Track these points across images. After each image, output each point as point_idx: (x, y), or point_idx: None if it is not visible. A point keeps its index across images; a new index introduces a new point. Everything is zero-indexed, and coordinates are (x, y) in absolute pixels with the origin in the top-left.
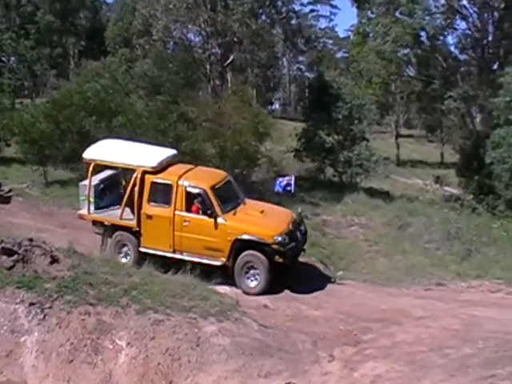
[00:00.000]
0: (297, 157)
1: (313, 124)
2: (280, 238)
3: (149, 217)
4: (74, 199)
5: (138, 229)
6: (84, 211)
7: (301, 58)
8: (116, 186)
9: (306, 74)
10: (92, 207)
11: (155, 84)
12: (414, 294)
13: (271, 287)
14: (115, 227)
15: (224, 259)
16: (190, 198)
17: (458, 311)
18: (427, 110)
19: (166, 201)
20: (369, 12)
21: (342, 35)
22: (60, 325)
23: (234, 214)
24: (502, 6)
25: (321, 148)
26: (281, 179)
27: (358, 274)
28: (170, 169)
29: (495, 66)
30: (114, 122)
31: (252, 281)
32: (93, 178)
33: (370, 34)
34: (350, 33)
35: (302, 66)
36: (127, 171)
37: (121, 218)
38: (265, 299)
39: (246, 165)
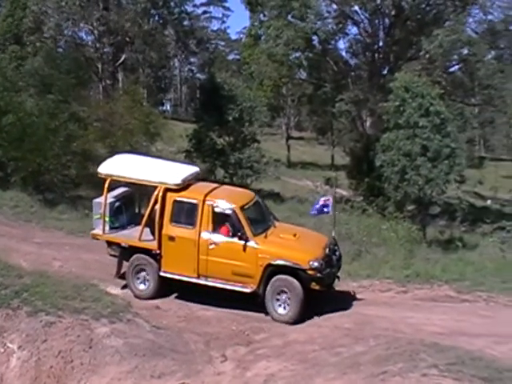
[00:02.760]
0: (188, 158)
1: (204, 125)
2: (316, 264)
3: (171, 238)
4: None
5: (158, 251)
6: (98, 231)
7: (192, 59)
8: (131, 205)
9: (198, 75)
10: (107, 227)
11: (46, 82)
12: None
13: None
14: (133, 249)
15: (254, 286)
16: (217, 218)
17: (350, 311)
18: (318, 113)
19: (191, 221)
20: (261, 15)
21: (234, 37)
22: None
23: (266, 236)
24: (393, 12)
25: (212, 149)
26: (319, 200)
27: None
28: (194, 186)
29: (385, 71)
30: (3, 121)
31: (283, 308)
32: (109, 195)
33: (262, 37)
34: (242, 35)
35: (193, 68)
36: (144, 187)
37: (140, 239)
38: (157, 300)
39: None
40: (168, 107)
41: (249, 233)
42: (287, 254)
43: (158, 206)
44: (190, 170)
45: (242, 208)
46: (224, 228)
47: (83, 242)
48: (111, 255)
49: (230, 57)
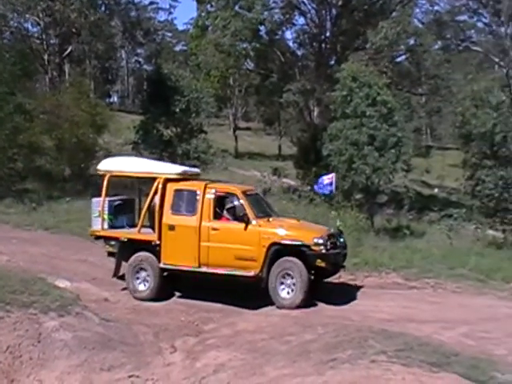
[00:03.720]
0: (135, 149)
1: (151, 117)
2: (321, 240)
3: (171, 227)
4: None
5: (158, 242)
6: (97, 227)
7: (139, 51)
8: (131, 211)
9: (145, 66)
10: (105, 224)
11: None
12: None
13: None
14: (132, 245)
15: (257, 269)
16: (218, 204)
17: None
18: (265, 103)
19: (191, 209)
20: (208, 5)
21: (181, 28)
22: None
23: (268, 220)
24: (340, 3)
25: (159, 141)
26: (322, 179)
27: None
28: (194, 180)
29: (332, 61)
30: None
31: (287, 291)
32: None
33: (209, 28)
34: (189, 26)
35: (140, 59)
36: (143, 193)
37: (139, 232)
38: (105, 292)
39: (83, 157)
40: (115, 99)
41: (251, 214)
42: (290, 233)
43: (157, 197)
44: (190, 168)
45: (243, 193)
46: (225, 218)
47: (30, 235)
48: (109, 254)
49: (177, 48)
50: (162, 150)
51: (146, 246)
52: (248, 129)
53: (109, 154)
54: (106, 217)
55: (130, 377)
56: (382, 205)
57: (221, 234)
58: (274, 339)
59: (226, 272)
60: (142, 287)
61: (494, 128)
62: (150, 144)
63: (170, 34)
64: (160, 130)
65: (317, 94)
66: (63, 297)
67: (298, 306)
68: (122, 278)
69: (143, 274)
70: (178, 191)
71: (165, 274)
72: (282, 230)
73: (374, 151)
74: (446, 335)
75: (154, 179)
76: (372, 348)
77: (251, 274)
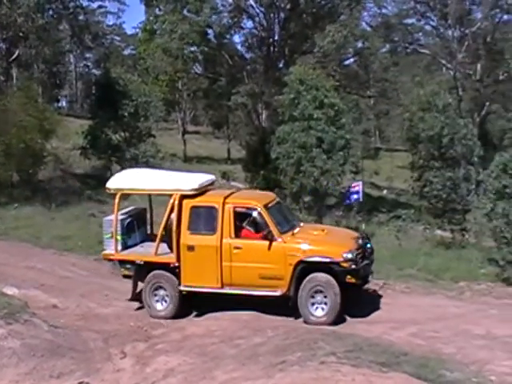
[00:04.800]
0: (83, 154)
1: (99, 121)
2: (350, 255)
3: (190, 248)
4: None
5: (177, 264)
6: (110, 250)
7: (88, 55)
8: (143, 224)
9: (93, 70)
10: (119, 246)
11: None
12: None
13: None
14: (149, 266)
15: (284, 288)
16: (239, 221)
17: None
18: (214, 107)
19: (211, 227)
20: (157, 9)
21: (129, 32)
22: None
23: (293, 234)
24: (288, 6)
25: (107, 145)
26: (350, 187)
27: None
28: (211, 192)
29: (281, 65)
30: None
31: (320, 309)
32: (119, 212)
33: (158, 32)
34: (137, 30)
35: (89, 63)
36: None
37: (156, 254)
38: (54, 299)
39: (31, 163)
40: (64, 103)
41: (275, 231)
42: (318, 248)
43: (174, 215)
44: (205, 177)
45: (265, 207)
46: (247, 230)
47: None
48: (125, 276)
49: (126, 52)
50: (111, 155)
51: (164, 268)
52: (197, 132)
53: (57, 159)
54: (118, 238)
55: (79, 383)
56: (331, 207)
57: (244, 253)
58: (224, 343)
59: (251, 292)
60: (159, 306)
61: (442, 131)
62: (98, 149)
63: (118, 38)
64: (108, 135)
65: (265, 98)
66: (11, 304)
67: (334, 323)
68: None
69: (161, 292)
70: (195, 208)
71: (184, 292)
72: (309, 246)
73: (322, 154)
74: (396, 335)
75: (169, 196)
76: (321, 349)
77: (278, 293)
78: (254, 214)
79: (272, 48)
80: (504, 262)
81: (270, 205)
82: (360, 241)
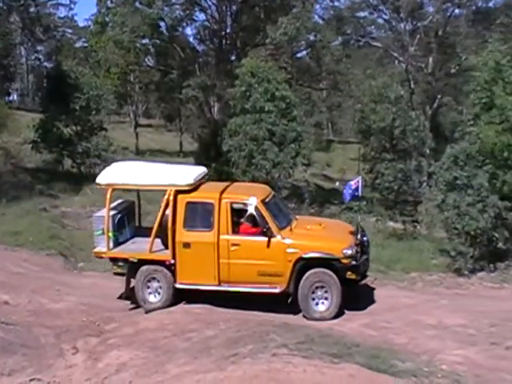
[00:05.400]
0: (34, 148)
1: (50, 115)
2: (350, 251)
3: (186, 245)
4: None
5: (173, 261)
6: (101, 248)
7: (39, 47)
8: (132, 218)
9: (45, 63)
10: (111, 243)
11: None
12: None
13: None
14: (143, 263)
15: (284, 285)
16: (236, 217)
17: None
18: (166, 100)
19: (207, 223)
20: (108, 1)
21: (81, 24)
22: None
23: (291, 230)
24: None
25: (59, 139)
26: (350, 184)
27: (99, 264)
28: (205, 186)
29: (233, 57)
30: None
31: (322, 304)
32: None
33: (109, 24)
34: (89, 22)
35: (40, 56)
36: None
37: (150, 251)
38: (5, 295)
39: None
40: (14, 97)
41: (274, 227)
42: (317, 245)
43: (169, 212)
44: (198, 170)
45: (263, 202)
46: (245, 226)
47: None
48: (116, 274)
49: (78, 44)
50: (62, 149)
51: (159, 264)
52: (149, 126)
53: (7, 153)
54: (110, 234)
55: (31, 380)
56: (283, 199)
57: (242, 250)
58: (176, 336)
59: (250, 289)
60: (152, 298)
61: (393, 122)
62: (49, 143)
63: (70, 31)
64: (60, 128)
65: (217, 90)
66: None
67: (334, 318)
68: None
69: (155, 284)
70: (190, 204)
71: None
72: (309, 243)
73: (274, 146)
74: (348, 326)
75: (163, 191)
76: (273, 341)
77: (277, 290)
78: (252, 209)
79: (224, 40)
80: (455, 253)
81: (267, 199)
82: (358, 235)
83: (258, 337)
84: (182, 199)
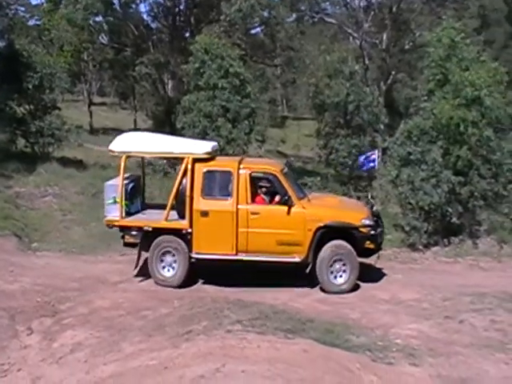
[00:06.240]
0: None
1: (3, 94)
2: (368, 221)
3: (204, 213)
4: None
5: (190, 230)
6: (114, 216)
7: None
8: (139, 192)
9: None
10: (123, 212)
11: None
12: (110, 260)
13: None
14: (158, 234)
15: (303, 255)
16: (256, 186)
17: None
18: (120, 78)
19: (226, 192)
20: None
21: (34, 2)
22: None
23: (309, 200)
24: None
25: (12, 119)
26: (368, 155)
27: (53, 244)
28: (220, 158)
29: (187, 34)
30: None
31: (340, 277)
32: (119, 177)
33: (62, 2)
34: (42, 0)
35: None
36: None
37: (167, 219)
38: None
39: None
40: None
41: (293, 196)
42: (337, 214)
43: (188, 180)
44: (211, 143)
45: (282, 171)
46: (261, 197)
47: None
48: (127, 244)
49: (31, 22)
50: (15, 129)
51: (174, 233)
52: (103, 104)
53: None
54: (123, 203)
55: None
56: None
57: (261, 219)
58: (131, 315)
59: (268, 259)
60: (167, 273)
61: (348, 98)
62: (2, 122)
63: (23, 9)
64: (13, 108)
65: (171, 67)
66: None
67: (351, 290)
68: None
69: (169, 258)
70: (208, 173)
71: (192, 259)
72: (329, 212)
73: (228, 123)
74: (302, 302)
75: (178, 159)
76: (227, 318)
77: (296, 259)
78: (272, 179)
79: (178, 17)
80: (409, 228)
81: (284, 171)
82: (370, 208)
83: (213, 314)
84: (200, 167)
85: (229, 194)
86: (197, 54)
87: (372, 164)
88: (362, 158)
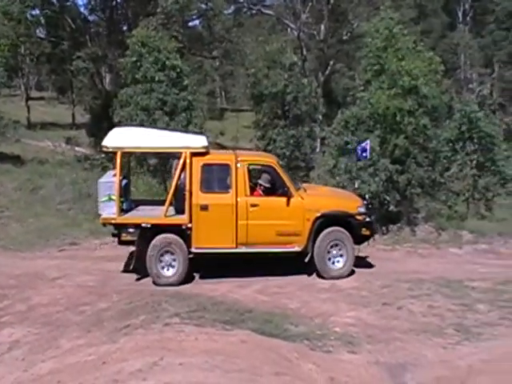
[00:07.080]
0: None
1: None
2: (363, 209)
3: (203, 207)
4: None
5: (189, 225)
6: (110, 214)
7: None
8: (129, 188)
9: None
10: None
11: None
12: (48, 256)
13: None
14: (156, 230)
15: (302, 244)
16: (253, 178)
17: (91, 268)
18: (57, 72)
19: (225, 186)
20: None
21: None
22: None
23: (305, 191)
24: None
25: None
26: (362, 145)
27: None
28: (214, 151)
29: (124, 28)
30: None
31: (337, 262)
32: (110, 173)
33: None
34: None
35: None
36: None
37: (165, 215)
38: None
39: None
40: None
41: (291, 188)
42: (334, 203)
43: (186, 174)
44: (202, 136)
45: (278, 163)
46: (261, 188)
47: None
48: (122, 242)
49: None
50: None
51: (173, 229)
52: (41, 98)
53: None
54: (119, 200)
55: None
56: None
57: (261, 211)
58: (69, 310)
59: (268, 250)
60: (167, 272)
61: (286, 88)
62: None
63: None
64: None
65: (108, 61)
66: None
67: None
68: None
69: (167, 257)
70: (206, 166)
71: (190, 256)
72: (326, 201)
73: (165, 116)
74: (241, 293)
75: (174, 154)
76: (165, 311)
77: (296, 249)
78: (270, 170)
79: (115, 10)
80: None
81: (279, 163)
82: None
83: (151, 307)
84: (198, 161)
85: (228, 187)
86: (133, 48)
87: (364, 154)
88: (359, 149)
